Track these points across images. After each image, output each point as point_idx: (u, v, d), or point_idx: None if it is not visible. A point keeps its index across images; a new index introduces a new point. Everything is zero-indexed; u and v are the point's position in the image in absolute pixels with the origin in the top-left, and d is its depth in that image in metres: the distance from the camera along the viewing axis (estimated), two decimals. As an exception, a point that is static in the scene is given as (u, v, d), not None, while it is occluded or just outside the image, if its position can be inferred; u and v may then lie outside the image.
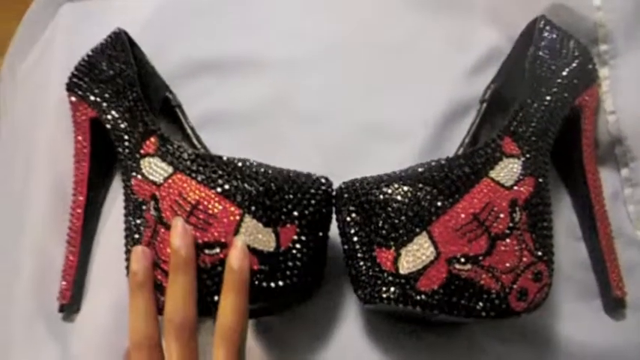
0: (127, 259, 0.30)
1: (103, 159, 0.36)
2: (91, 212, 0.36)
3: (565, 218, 0.35)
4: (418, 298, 0.28)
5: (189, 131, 0.38)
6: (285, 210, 0.28)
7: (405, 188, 0.29)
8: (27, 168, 0.40)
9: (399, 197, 0.29)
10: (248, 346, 0.33)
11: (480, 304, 0.28)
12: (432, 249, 0.28)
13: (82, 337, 0.34)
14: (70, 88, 0.36)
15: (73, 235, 0.35)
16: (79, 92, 0.36)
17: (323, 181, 0.30)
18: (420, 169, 0.30)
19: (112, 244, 0.32)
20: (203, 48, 0.42)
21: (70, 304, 0.34)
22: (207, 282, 0.28)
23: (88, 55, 0.37)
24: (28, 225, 0.38)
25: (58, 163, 0.38)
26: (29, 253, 0.37)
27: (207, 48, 0.42)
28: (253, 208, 0.28)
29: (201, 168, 0.29)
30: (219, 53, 0.41)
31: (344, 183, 0.30)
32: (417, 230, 0.28)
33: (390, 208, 0.29)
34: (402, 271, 0.28)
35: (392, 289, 0.28)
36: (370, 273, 0.29)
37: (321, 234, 0.29)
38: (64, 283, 0.35)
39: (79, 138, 0.36)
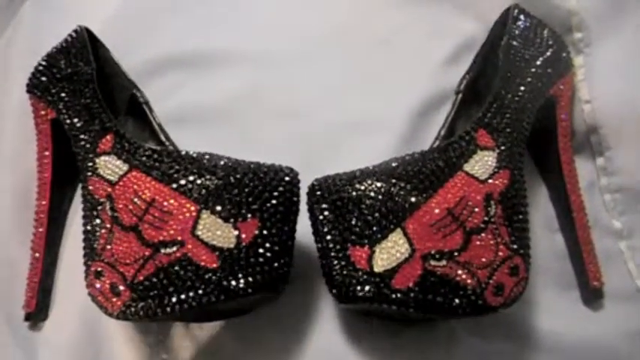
0: (86, 263, 0.29)
1: (67, 162, 0.34)
2: (56, 217, 0.35)
3: (541, 210, 0.35)
4: (393, 296, 0.27)
5: (156, 128, 0.37)
6: (245, 203, 0.27)
7: (379, 184, 0.28)
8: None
9: (372, 194, 0.28)
10: (221, 348, 0.32)
11: (456, 300, 0.27)
12: (406, 246, 0.27)
13: (50, 346, 0.33)
14: (30, 88, 0.35)
15: (37, 241, 0.34)
16: (38, 93, 0.34)
17: (286, 171, 0.28)
18: (393, 164, 0.29)
19: (78, 248, 0.31)
20: (172, 42, 0.41)
21: (36, 313, 0.33)
22: (164, 282, 0.27)
23: (48, 55, 0.35)
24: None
25: (22, 167, 0.37)
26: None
27: (176, 42, 0.41)
28: (211, 203, 0.27)
29: (157, 164, 0.28)
30: (190, 47, 0.40)
31: (316, 180, 0.30)
32: (392, 227, 0.28)
33: (363, 205, 0.28)
34: (376, 269, 0.27)
35: (367, 287, 0.27)
36: (344, 272, 0.28)
37: (286, 228, 0.28)
38: (28, 291, 0.33)
39: (41, 140, 0.35)
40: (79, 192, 0.36)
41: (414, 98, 0.37)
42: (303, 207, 0.30)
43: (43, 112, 0.35)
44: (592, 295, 0.33)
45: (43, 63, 0.35)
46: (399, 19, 0.41)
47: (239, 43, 0.40)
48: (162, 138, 0.37)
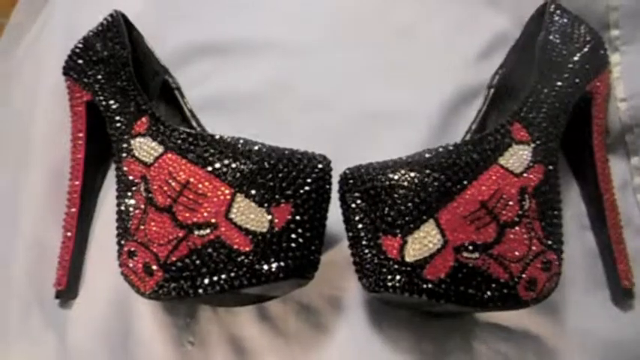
0: (119, 243, 0.30)
1: (100, 143, 0.35)
2: (88, 197, 0.35)
3: (573, 207, 0.35)
4: (425, 286, 0.27)
5: (187, 114, 0.37)
6: (279, 188, 0.27)
7: (412, 174, 0.28)
8: (24, 153, 0.39)
9: (405, 183, 0.28)
10: (247, 335, 0.32)
11: (488, 293, 0.27)
12: (439, 237, 0.27)
13: (80, 324, 0.33)
14: (67, 71, 0.36)
15: (70, 221, 0.34)
16: (74, 75, 0.35)
17: (320, 158, 0.29)
18: (427, 155, 0.29)
19: (109, 228, 0.31)
20: (205, 30, 0.41)
21: (67, 291, 0.34)
22: (197, 263, 0.27)
23: (84, 38, 0.36)
24: (24, 211, 0.37)
25: (56, 147, 0.37)
26: (25, 240, 0.36)
27: (208, 31, 0.41)
28: (245, 187, 0.27)
29: (192, 147, 0.29)
30: (221, 36, 0.40)
31: (348, 169, 0.30)
32: (424, 217, 0.27)
33: (396, 195, 0.28)
34: (408, 259, 0.27)
35: (398, 277, 0.27)
36: (375, 261, 0.28)
37: (318, 215, 0.28)
38: (60, 269, 0.34)
39: (76, 122, 0.35)
40: (110, 173, 0.36)
41: (445, 91, 0.37)
42: (334, 196, 0.30)
43: (78, 95, 0.35)
44: (622, 295, 0.32)
45: (80, 46, 0.36)
46: (430, 11, 0.40)
47: (270, 31, 0.40)
48: (194, 124, 0.37)
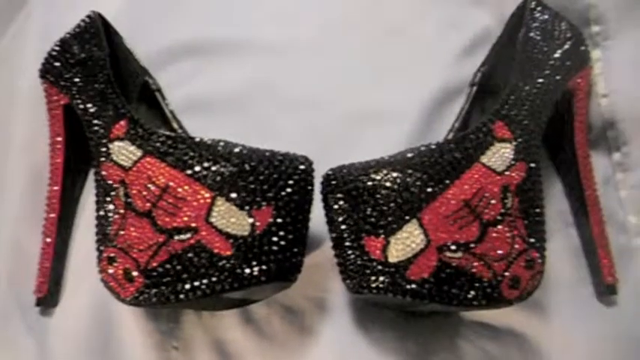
0: (98, 249, 0.29)
1: (79, 147, 0.34)
2: (68, 202, 0.35)
3: (557, 203, 0.35)
4: (408, 287, 0.27)
5: (169, 115, 0.37)
6: (260, 191, 0.27)
7: (394, 174, 0.28)
8: (2, 157, 0.38)
9: (387, 184, 0.28)
10: (232, 339, 0.32)
11: (472, 292, 0.27)
12: (422, 237, 0.27)
13: (60, 332, 0.33)
14: (43, 74, 0.35)
15: (49, 227, 0.34)
16: (51, 78, 0.34)
17: (301, 160, 0.28)
18: (409, 155, 0.29)
19: (90, 234, 0.30)
20: (186, 30, 0.40)
21: (47, 298, 0.33)
22: (178, 268, 0.27)
23: (61, 40, 0.35)
24: (3, 216, 0.36)
25: (35, 152, 0.37)
26: (4, 245, 0.35)
27: (190, 30, 0.40)
28: (226, 190, 0.27)
29: (171, 150, 0.28)
30: (204, 35, 0.40)
31: (331, 169, 0.29)
32: (407, 217, 0.27)
33: (378, 195, 0.28)
34: (391, 260, 0.27)
35: (381, 278, 0.27)
36: (359, 262, 0.28)
37: (300, 217, 0.28)
38: (40, 276, 0.33)
39: (53, 126, 0.35)
40: (90, 177, 0.36)
41: (428, 90, 0.37)
42: (316, 197, 0.29)
43: (55, 98, 0.34)
44: (606, 290, 0.32)
45: (57, 48, 0.35)
46: (416, 9, 0.40)
47: (254, 31, 0.40)
48: (175, 126, 0.37)
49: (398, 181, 0.28)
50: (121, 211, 0.28)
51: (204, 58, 0.39)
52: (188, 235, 0.27)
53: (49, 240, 0.34)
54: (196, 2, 0.42)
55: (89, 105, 0.32)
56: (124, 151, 0.29)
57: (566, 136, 0.35)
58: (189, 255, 0.27)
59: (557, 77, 0.33)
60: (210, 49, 0.40)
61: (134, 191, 0.28)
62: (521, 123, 0.30)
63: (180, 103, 0.38)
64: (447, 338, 0.32)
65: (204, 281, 0.27)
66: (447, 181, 0.28)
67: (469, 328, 0.32)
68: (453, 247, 0.27)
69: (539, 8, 0.35)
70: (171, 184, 0.27)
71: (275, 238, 0.27)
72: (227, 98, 0.38)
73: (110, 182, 0.29)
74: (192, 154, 0.28)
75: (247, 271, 0.27)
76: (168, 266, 0.27)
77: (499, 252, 0.27)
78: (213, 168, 0.27)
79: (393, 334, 0.31)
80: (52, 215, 0.34)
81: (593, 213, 0.33)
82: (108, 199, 0.29)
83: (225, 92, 0.38)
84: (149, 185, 0.28)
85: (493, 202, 0.28)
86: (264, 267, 0.27)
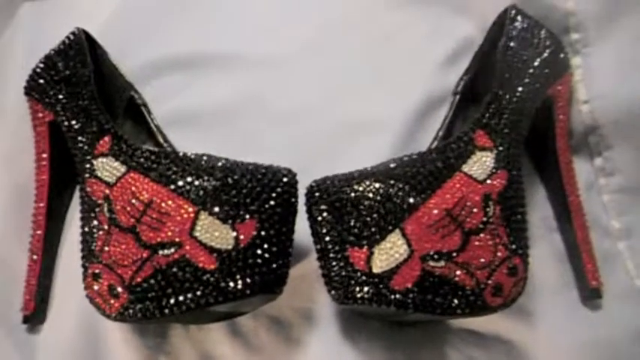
0: (83, 265, 0.29)
1: (65, 164, 0.34)
2: (55, 219, 0.35)
3: (541, 209, 0.35)
4: (392, 297, 0.27)
5: (154, 130, 0.37)
6: (243, 204, 0.27)
7: (377, 185, 0.28)
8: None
9: (370, 195, 0.28)
10: (219, 352, 0.32)
11: (455, 301, 0.27)
12: (405, 247, 0.27)
13: (48, 348, 0.33)
14: (28, 91, 0.35)
15: (36, 244, 0.34)
16: (36, 95, 0.34)
17: (284, 172, 0.28)
18: (391, 165, 0.29)
19: (76, 250, 0.30)
20: (170, 45, 0.41)
21: (34, 315, 0.33)
22: (162, 283, 0.27)
23: (46, 56, 0.35)
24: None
25: (19, 168, 0.37)
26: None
27: (174, 45, 0.41)
28: (209, 204, 0.27)
29: (154, 165, 0.28)
30: (189, 50, 0.40)
31: (314, 181, 0.30)
32: (390, 228, 0.28)
33: (361, 206, 0.28)
34: (375, 270, 0.27)
35: (365, 288, 0.27)
36: (343, 273, 0.28)
37: (284, 229, 0.28)
38: (26, 293, 0.33)
39: (39, 142, 0.35)
40: (77, 194, 0.36)
41: (412, 99, 0.37)
42: (301, 208, 0.29)
43: (40, 115, 0.35)
44: (590, 295, 0.33)
45: (41, 65, 0.35)
46: (398, 20, 0.41)
47: (238, 45, 0.40)
48: (161, 140, 0.37)
49: (380, 191, 0.28)
50: (106, 227, 0.28)
51: (191, 72, 0.40)
52: (172, 250, 0.27)
53: (35, 257, 0.34)
54: (183, 17, 0.42)
55: (73, 122, 0.32)
56: (107, 167, 0.29)
57: (548, 142, 0.35)
58: (174, 270, 0.27)
59: (537, 85, 0.33)
60: (197, 62, 0.40)
61: (118, 207, 0.28)
62: (502, 131, 0.31)
63: (167, 116, 0.38)
64: (434, 347, 0.32)
65: (189, 295, 0.27)
66: (429, 191, 0.28)
67: (456, 335, 0.32)
68: (436, 257, 0.27)
69: (519, 17, 0.36)
70: (154, 199, 0.28)
71: (259, 251, 0.27)
72: (214, 112, 0.38)
73: (94, 198, 0.29)
74: (175, 168, 0.28)
75: (232, 284, 0.27)
76: (152, 281, 0.27)
77: (481, 260, 0.28)
78: (197, 182, 0.28)
79: (380, 344, 0.32)
80: (39, 232, 0.34)
81: (576, 218, 0.34)
82: (92, 215, 0.29)
83: (212, 106, 0.38)
84: (133, 201, 0.28)
85: (475, 210, 0.28)
86: (248, 280, 0.27)
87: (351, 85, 0.39)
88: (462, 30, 0.40)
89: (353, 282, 0.28)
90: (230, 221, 0.27)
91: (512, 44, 0.34)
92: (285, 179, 0.28)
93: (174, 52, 0.40)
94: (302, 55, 0.40)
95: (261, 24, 0.41)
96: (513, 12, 0.36)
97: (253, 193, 0.27)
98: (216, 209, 0.27)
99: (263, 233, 0.27)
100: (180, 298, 0.27)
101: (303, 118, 0.37)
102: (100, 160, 0.30)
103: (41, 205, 0.34)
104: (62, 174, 0.35)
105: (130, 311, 0.27)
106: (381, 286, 0.27)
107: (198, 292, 0.27)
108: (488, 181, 0.29)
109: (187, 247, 0.27)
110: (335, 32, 0.41)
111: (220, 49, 0.40)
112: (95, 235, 0.29)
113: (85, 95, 0.33)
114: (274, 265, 0.28)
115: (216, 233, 0.27)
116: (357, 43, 0.40)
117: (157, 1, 0.43)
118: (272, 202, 0.28)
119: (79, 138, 0.32)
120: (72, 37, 0.36)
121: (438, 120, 0.37)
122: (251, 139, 0.37)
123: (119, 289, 0.27)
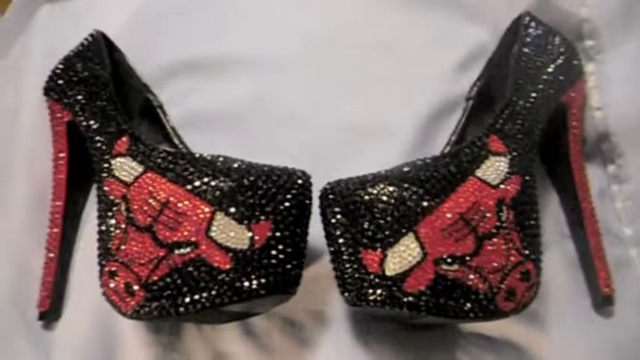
0: (100, 263, 0.30)
1: (82, 163, 0.35)
2: (71, 218, 0.35)
3: (554, 216, 0.35)
4: (405, 299, 0.27)
5: (170, 131, 0.37)
6: (258, 205, 0.27)
7: (391, 188, 0.28)
8: (6, 172, 0.39)
9: (384, 197, 0.28)
10: (232, 352, 0.32)
11: (468, 304, 0.27)
12: (418, 250, 0.28)
13: (64, 345, 0.33)
14: (47, 91, 0.36)
15: (52, 242, 0.34)
16: (55, 96, 0.35)
17: (299, 174, 0.29)
18: (405, 169, 0.29)
19: (92, 249, 0.31)
20: (185, 48, 0.41)
21: (50, 312, 0.34)
22: (178, 282, 0.27)
23: (65, 58, 0.36)
24: (7, 231, 0.37)
25: (38, 168, 0.37)
26: (7, 262, 0.36)
27: (189, 48, 0.41)
28: (225, 204, 0.27)
29: (171, 165, 0.29)
30: (201, 53, 0.41)
31: (328, 184, 0.30)
32: (403, 231, 0.28)
33: (375, 209, 0.28)
34: (388, 273, 0.27)
35: (378, 290, 0.27)
36: (356, 275, 0.28)
37: (298, 230, 0.28)
38: (43, 290, 0.34)
39: (57, 142, 0.35)
40: (93, 193, 0.36)
41: (424, 104, 0.38)
42: (315, 211, 0.30)
43: (59, 115, 0.35)
44: (603, 301, 0.33)
45: (60, 66, 0.36)
46: (408, 24, 0.41)
47: (251, 47, 0.41)
48: (176, 141, 0.37)
49: (394, 195, 0.28)
50: (123, 225, 0.29)
51: (204, 75, 0.40)
52: (188, 250, 0.27)
53: (51, 255, 0.34)
54: (195, 20, 0.43)
55: (92, 122, 0.33)
56: (125, 167, 0.30)
57: (561, 149, 0.35)
58: (190, 269, 0.27)
59: (551, 91, 0.33)
60: (210, 65, 0.40)
61: (135, 206, 0.29)
62: (515, 137, 0.31)
63: (179, 119, 0.38)
64: (445, 350, 0.32)
65: (204, 295, 0.27)
66: (443, 195, 0.28)
67: (468, 339, 0.32)
68: (449, 260, 0.27)
69: (532, 24, 0.36)
70: (171, 199, 0.28)
71: (274, 252, 0.28)
72: (226, 114, 0.39)
73: (112, 197, 0.30)
74: (192, 169, 0.28)
75: (246, 284, 0.27)
76: (168, 280, 0.27)
77: (494, 264, 0.28)
78: (213, 183, 0.28)
79: (392, 346, 0.32)
80: (55, 230, 0.35)
81: (589, 225, 0.34)
82: (110, 214, 0.30)
83: (224, 108, 0.39)
84: (150, 200, 0.28)
85: (488, 215, 0.28)
86: (263, 280, 0.27)
87: (362, 89, 0.39)
88: (474, 36, 0.40)
89: (366, 284, 0.28)
90: (245, 222, 0.27)
91: (526, 50, 0.34)
92: (299, 181, 0.29)
93: (188, 55, 0.41)
94: (314, 57, 0.40)
95: (273, 27, 0.42)
96: (527, 18, 0.36)
97: (269, 194, 0.28)
98: (232, 210, 0.27)
99: (278, 234, 0.28)
100: (196, 297, 0.27)
101: (314, 121, 0.38)
102: (117, 160, 0.30)
103: (58, 203, 0.35)
104: (79, 173, 0.36)
105: (146, 309, 0.27)
106: (393, 288, 0.27)
107: (214, 292, 0.27)
108: (502, 186, 0.29)
109: (203, 247, 0.27)
110: (347, 35, 0.41)
111: (233, 52, 0.41)
112: (112, 234, 0.29)
113: (103, 96, 0.33)
114: (289, 266, 0.28)
115: (232, 233, 0.27)
116: (369, 46, 0.40)
117: (172, 6, 0.43)
118: (287, 204, 0.28)
119: (97, 138, 0.32)
120: (90, 39, 0.37)
121: (449, 125, 0.37)
122: (262, 141, 0.37)
123: (135, 287, 0.28)
